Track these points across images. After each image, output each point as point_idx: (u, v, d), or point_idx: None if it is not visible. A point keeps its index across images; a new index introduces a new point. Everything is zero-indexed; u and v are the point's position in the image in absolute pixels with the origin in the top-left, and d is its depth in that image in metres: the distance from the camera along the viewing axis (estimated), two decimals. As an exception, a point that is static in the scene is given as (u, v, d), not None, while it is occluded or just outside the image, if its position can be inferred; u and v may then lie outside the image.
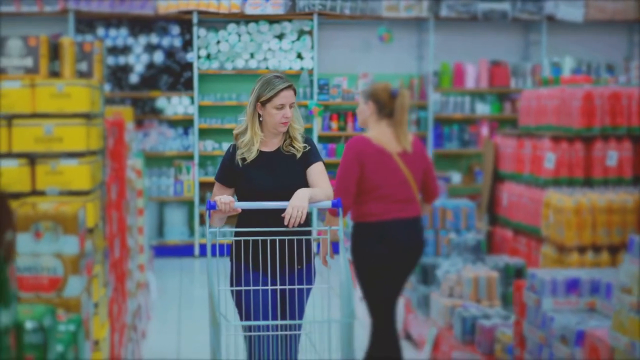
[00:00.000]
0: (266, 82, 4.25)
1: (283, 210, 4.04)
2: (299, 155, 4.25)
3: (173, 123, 11.73)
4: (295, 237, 4.12)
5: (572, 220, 6.88)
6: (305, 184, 4.23)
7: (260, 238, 4.12)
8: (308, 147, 4.28)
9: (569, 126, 7.49)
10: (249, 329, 4.08)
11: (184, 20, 11.54)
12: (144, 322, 7.24)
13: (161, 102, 11.64)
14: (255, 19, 11.54)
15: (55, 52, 4.06)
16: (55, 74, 4.04)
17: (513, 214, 8.22)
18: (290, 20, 11.63)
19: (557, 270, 4.76)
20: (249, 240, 4.15)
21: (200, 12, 11.40)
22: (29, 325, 2.14)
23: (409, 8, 11.71)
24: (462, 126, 12.00)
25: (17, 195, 3.62)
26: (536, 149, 7.80)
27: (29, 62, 3.94)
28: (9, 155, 3.58)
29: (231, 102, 11.46)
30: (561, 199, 6.93)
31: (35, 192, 3.61)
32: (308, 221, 4.22)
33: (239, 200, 4.23)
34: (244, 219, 4.22)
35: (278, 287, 4.16)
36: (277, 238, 4.11)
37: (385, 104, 5.44)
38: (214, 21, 11.63)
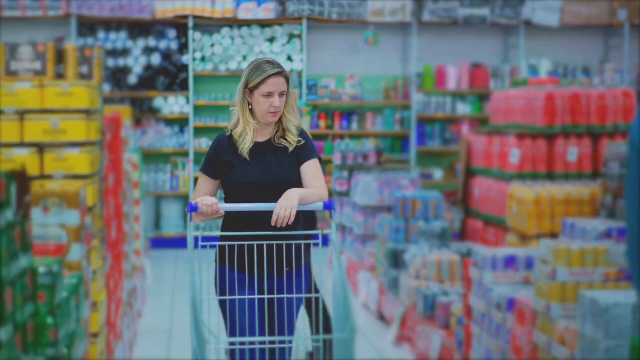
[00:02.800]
0: (255, 67, 3.90)
1: (271, 212, 3.73)
2: (291, 148, 3.92)
3: (169, 122, 12.35)
4: (285, 242, 3.82)
5: (532, 210, 7.51)
6: (296, 180, 3.91)
7: (247, 243, 3.81)
8: (303, 142, 3.94)
9: (533, 124, 8.12)
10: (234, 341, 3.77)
11: (180, 25, 12.17)
12: (140, 303, 7.87)
13: (158, 101, 12.28)
14: (248, 23, 12.17)
15: (60, 56, 4.70)
16: (60, 75, 4.67)
17: (483, 206, 8.85)
18: (280, 25, 12.27)
19: (497, 248, 5.40)
20: (234, 245, 3.85)
21: (195, 17, 12.03)
22: (41, 269, 2.78)
23: (394, 13, 12.34)
24: (444, 125, 12.63)
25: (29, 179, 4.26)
26: (503, 146, 8.42)
27: (37, 65, 4.58)
28: (22, 144, 4.24)
29: (225, 102, 12.08)
30: (523, 192, 7.55)
31: (43, 176, 4.25)
32: (299, 223, 3.94)
33: (225, 194, 3.95)
34: (230, 218, 3.90)
35: (266, 296, 3.85)
36: (265, 243, 3.80)
37: None
38: (209, 25, 12.25)
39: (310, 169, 3.92)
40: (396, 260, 7.30)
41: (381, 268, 7.77)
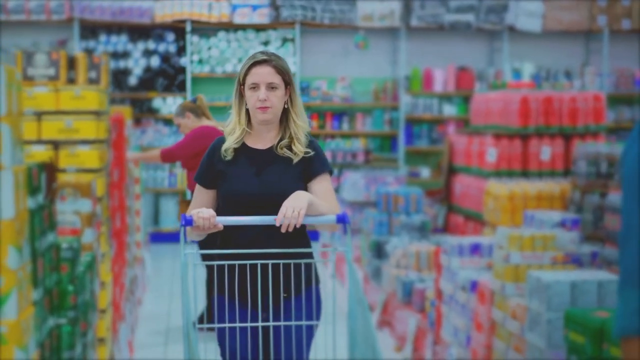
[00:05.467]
0: (247, 58, 3.49)
1: (274, 227, 3.26)
2: (296, 159, 3.40)
3: (168, 121, 12.89)
4: (292, 261, 3.34)
5: (506, 205, 8.06)
6: None
7: (249, 262, 3.34)
8: (311, 153, 3.42)
9: (509, 125, 8.67)
10: None
11: (178, 28, 12.72)
12: (140, 291, 8.43)
13: (157, 102, 12.84)
14: (243, 27, 12.74)
15: (71, 63, 5.25)
16: (71, 80, 5.23)
17: (463, 202, 9.40)
18: (274, 29, 12.83)
19: (464, 237, 5.96)
20: (233, 265, 3.38)
21: (193, 21, 12.59)
22: (64, 244, 3.34)
23: (383, 18, 12.91)
24: (431, 126, 13.19)
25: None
26: (482, 145, 8.98)
27: (51, 71, 5.13)
28: (39, 142, 4.80)
29: (221, 103, 12.61)
30: (498, 188, 8.11)
31: (58, 170, 4.80)
32: (307, 240, 3.47)
33: (218, 206, 3.47)
34: (228, 235, 3.42)
35: (271, 323, 3.39)
36: (270, 262, 3.33)
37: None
38: (206, 29, 12.81)
39: (321, 188, 3.40)
40: (379, 251, 7.86)
41: (365, 259, 8.33)
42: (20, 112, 2.80)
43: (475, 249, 5.51)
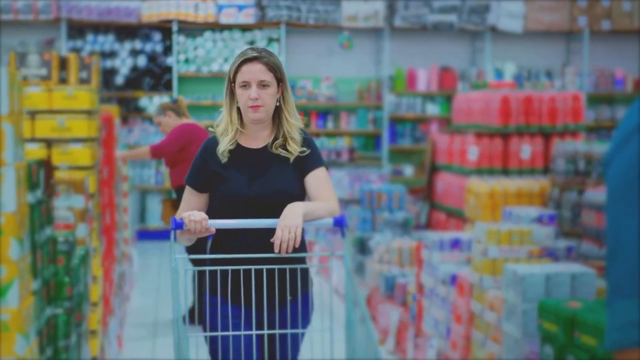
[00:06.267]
0: (237, 55, 3.34)
1: (271, 230, 3.17)
2: (292, 158, 3.30)
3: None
4: (289, 266, 3.25)
5: (487, 202, 8.25)
6: (298, 194, 3.31)
7: (243, 267, 3.22)
8: (307, 151, 3.32)
9: (490, 124, 8.86)
10: None
11: (164, 28, 12.86)
12: (128, 287, 8.58)
13: (144, 101, 12.98)
14: (229, 27, 12.89)
15: (63, 63, 5.40)
16: (63, 80, 5.38)
17: (445, 199, 9.59)
18: (260, 29, 12.99)
19: (445, 232, 6.14)
20: (226, 270, 3.26)
21: (179, 21, 12.73)
22: (60, 238, 3.49)
23: (367, 19, 13.09)
24: (414, 125, 13.39)
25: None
26: (463, 144, 9.17)
27: (43, 71, 5.28)
28: (33, 140, 4.95)
29: (207, 102, 12.78)
30: (479, 186, 8.30)
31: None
32: (303, 243, 3.32)
33: (211, 209, 3.34)
34: (219, 238, 3.30)
35: (265, 331, 3.26)
36: (265, 268, 3.21)
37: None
38: (192, 29, 12.95)
39: (317, 179, 3.31)
40: (362, 247, 8.04)
41: (349, 255, 8.50)
42: (21, 112, 2.95)
43: (455, 244, 5.69)
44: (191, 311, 6.96)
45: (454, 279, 5.36)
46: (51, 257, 3.38)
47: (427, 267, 5.83)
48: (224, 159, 3.30)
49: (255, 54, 3.28)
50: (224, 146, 3.30)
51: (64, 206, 4.37)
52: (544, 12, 13.31)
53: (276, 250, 3.08)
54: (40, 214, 3.15)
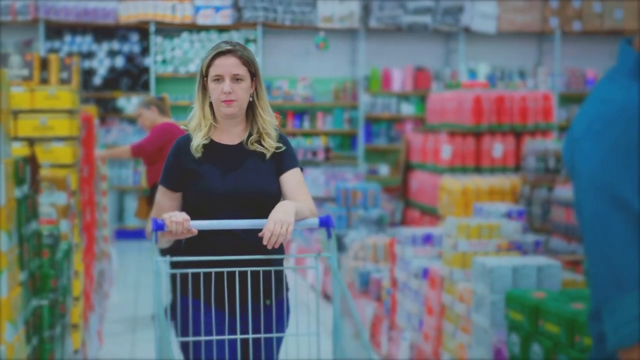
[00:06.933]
0: (210, 49, 3.25)
1: (250, 231, 3.11)
2: (269, 154, 3.23)
3: (132, 120, 13.12)
4: (274, 269, 3.19)
5: (460, 200, 8.43)
6: (276, 193, 3.25)
7: (228, 270, 3.11)
8: (283, 148, 3.25)
9: (462, 123, 9.04)
10: None
11: (142, 29, 12.98)
12: (107, 285, 8.70)
13: (122, 101, 13.09)
14: (206, 28, 13.03)
15: (44, 64, 5.53)
16: (44, 80, 5.50)
17: (419, 197, 9.77)
18: (237, 30, 13.14)
19: (417, 228, 6.31)
20: (206, 272, 3.15)
21: (157, 22, 12.86)
22: (45, 232, 3.63)
23: (342, 19, 13.27)
24: (390, 124, 13.57)
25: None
26: (437, 143, 9.35)
27: (25, 72, 5.40)
28: (15, 139, 5.08)
29: (184, 102, 12.89)
30: (452, 183, 8.48)
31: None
32: (282, 244, 3.17)
33: (185, 209, 3.22)
34: (195, 240, 3.17)
35: (250, 335, 3.16)
36: (249, 270, 3.11)
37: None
38: (169, 30, 13.08)
39: (294, 180, 3.25)
40: (338, 244, 8.20)
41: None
42: (9, 111, 3.09)
43: (428, 239, 5.86)
44: (172, 306, 7.09)
45: (425, 273, 5.53)
46: (36, 250, 3.52)
47: (400, 262, 6.00)
48: (197, 154, 3.20)
49: (228, 47, 3.20)
50: (197, 141, 3.20)
51: (47, 202, 4.50)
52: (516, 13, 13.54)
53: (265, 243, 2.96)
54: (26, 209, 3.29)
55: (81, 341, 5.36)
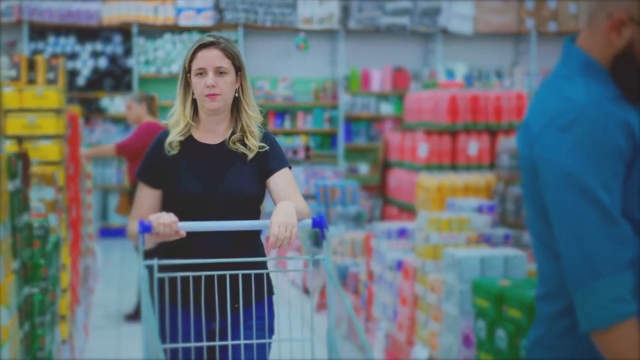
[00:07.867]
0: (194, 43, 3.15)
1: (233, 233, 3.02)
2: (251, 155, 3.10)
3: (116, 120, 13.32)
4: (265, 272, 3.11)
5: (436, 197, 8.67)
6: (256, 195, 3.13)
7: (217, 273, 2.99)
8: (266, 148, 3.11)
9: (439, 122, 9.29)
10: None
11: (125, 30, 13.16)
12: (92, 281, 8.89)
13: (105, 102, 13.27)
14: (188, 29, 13.23)
15: (31, 65, 5.72)
16: (31, 81, 5.70)
17: (397, 195, 10.01)
18: (218, 31, 13.32)
19: (392, 222, 6.55)
20: (190, 277, 2.99)
21: (139, 24, 13.05)
22: (35, 224, 3.84)
23: (322, 21, 13.50)
24: (369, 123, 13.82)
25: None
26: (414, 141, 9.59)
27: (13, 73, 5.60)
28: (5, 137, 5.27)
29: (167, 102, 13.06)
30: (428, 181, 8.72)
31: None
32: (261, 245, 3.18)
33: (164, 209, 3.08)
34: (175, 242, 2.99)
35: (229, 342, 3.03)
36: (241, 272, 3.00)
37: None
38: (152, 31, 13.27)
39: (283, 181, 3.10)
40: (317, 240, 8.42)
41: (305, 247, 8.89)
42: (2, 110, 3.30)
43: (402, 232, 6.10)
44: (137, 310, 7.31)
45: (399, 265, 5.76)
46: (28, 241, 3.72)
47: (376, 255, 6.23)
48: (172, 152, 3.09)
49: (211, 39, 3.09)
50: (172, 137, 3.09)
51: (36, 197, 4.70)
52: (493, 14, 13.81)
53: (271, 247, 2.84)
54: (19, 201, 3.50)
55: (69, 332, 5.56)
